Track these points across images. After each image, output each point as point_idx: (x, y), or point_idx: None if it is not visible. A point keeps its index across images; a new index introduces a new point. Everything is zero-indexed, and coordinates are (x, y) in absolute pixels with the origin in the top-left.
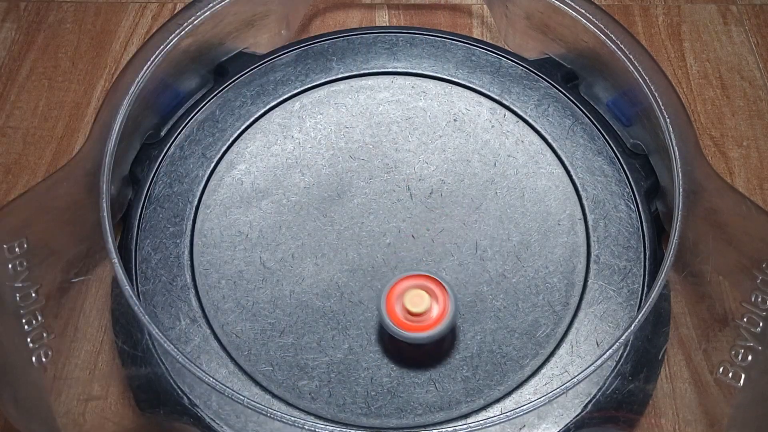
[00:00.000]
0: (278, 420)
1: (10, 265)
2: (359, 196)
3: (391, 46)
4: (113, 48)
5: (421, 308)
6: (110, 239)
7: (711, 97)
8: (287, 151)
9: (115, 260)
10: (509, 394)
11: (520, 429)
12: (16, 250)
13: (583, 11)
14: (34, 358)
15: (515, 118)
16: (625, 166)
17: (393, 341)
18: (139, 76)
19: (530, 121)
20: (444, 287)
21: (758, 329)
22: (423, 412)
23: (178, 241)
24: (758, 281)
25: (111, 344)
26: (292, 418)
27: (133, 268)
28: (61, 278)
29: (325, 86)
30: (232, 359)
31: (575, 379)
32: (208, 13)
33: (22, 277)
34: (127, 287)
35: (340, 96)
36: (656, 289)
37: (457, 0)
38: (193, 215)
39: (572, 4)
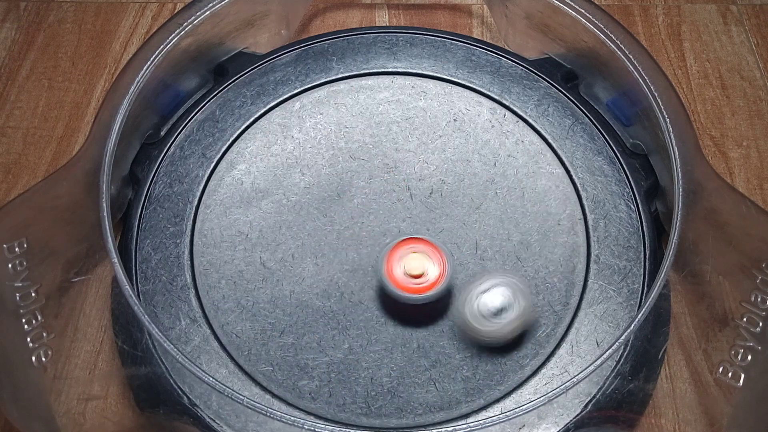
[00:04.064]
0: (278, 420)
1: (10, 265)
2: (359, 196)
3: (391, 46)
4: (113, 48)
5: (419, 271)
6: (110, 239)
7: (711, 97)
8: (287, 151)
9: (115, 260)
10: (509, 394)
11: (520, 429)
12: (16, 249)
13: (583, 11)
14: (34, 358)
15: (515, 118)
16: (625, 166)
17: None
18: (139, 76)
19: (530, 121)
20: (441, 251)
21: (758, 329)
22: (423, 412)
23: (178, 241)
24: (758, 281)
25: (111, 344)
26: (292, 418)
27: (133, 268)
28: (61, 278)
29: (325, 86)
30: (232, 359)
31: (575, 379)
32: (208, 12)
33: (22, 277)
34: (127, 287)
35: (340, 96)
36: (656, 289)
37: (457, 0)
38: (193, 215)
39: (572, 4)
